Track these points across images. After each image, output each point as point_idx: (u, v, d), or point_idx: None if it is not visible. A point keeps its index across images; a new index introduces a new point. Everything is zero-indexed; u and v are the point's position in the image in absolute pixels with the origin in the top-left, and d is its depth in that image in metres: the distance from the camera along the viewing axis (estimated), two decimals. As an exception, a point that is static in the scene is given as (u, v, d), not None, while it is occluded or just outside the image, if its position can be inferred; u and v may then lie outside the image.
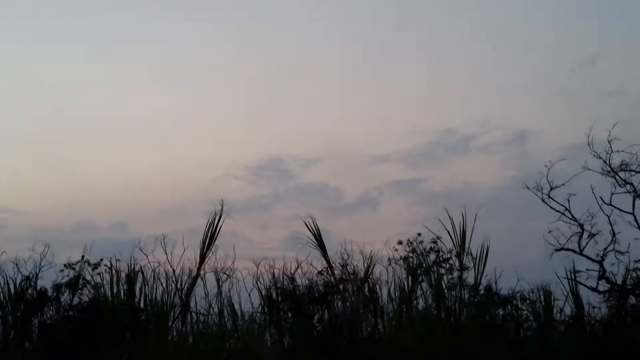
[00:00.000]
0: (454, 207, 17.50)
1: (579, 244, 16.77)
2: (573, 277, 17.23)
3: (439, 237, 17.83)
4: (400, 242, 17.99)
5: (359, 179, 30.47)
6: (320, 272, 17.62)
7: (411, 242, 17.96)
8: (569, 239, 16.73)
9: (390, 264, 17.76)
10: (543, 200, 16.87)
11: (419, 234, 18.00)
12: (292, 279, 17.43)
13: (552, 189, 16.78)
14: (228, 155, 30.23)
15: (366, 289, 17.46)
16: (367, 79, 31.73)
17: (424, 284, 17.54)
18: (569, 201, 16.81)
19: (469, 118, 31.03)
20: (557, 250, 16.65)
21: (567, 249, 16.71)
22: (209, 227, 17.20)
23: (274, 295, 17.24)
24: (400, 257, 17.88)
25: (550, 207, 16.88)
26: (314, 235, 17.78)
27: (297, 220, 17.97)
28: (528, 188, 16.86)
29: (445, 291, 17.34)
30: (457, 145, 31.00)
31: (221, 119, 31.08)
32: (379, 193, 30.06)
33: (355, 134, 30.79)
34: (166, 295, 16.84)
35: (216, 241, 17.19)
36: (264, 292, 17.29)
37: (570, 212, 16.81)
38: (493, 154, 30.45)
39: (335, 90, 31.32)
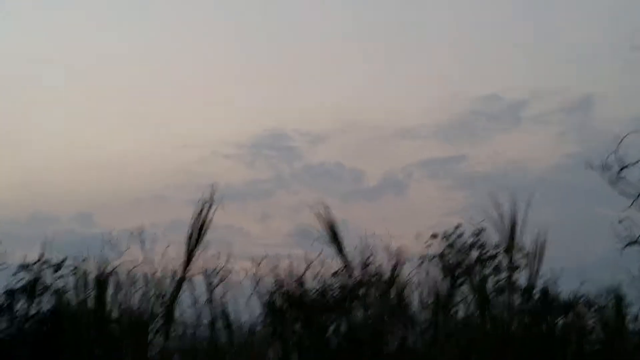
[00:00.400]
0: (501, 192, 16.67)
1: (658, 236, 16.43)
2: (647, 275, 17.12)
3: (482, 229, 17.32)
4: (434, 236, 17.56)
5: (382, 158, 29.92)
6: (335, 274, 17.02)
7: (448, 236, 17.56)
8: None
9: (422, 262, 17.16)
10: (611, 183, 16.12)
11: (458, 226, 17.62)
12: (300, 282, 16.91)
13: (622, 168, 16.02)
14: (217, 131, 29.81)
15: (393, 294, 16.94)
16: (388, 36, 30.93)
17: (464, 287, 17.00)
18: None
19: (517, 81, 30.08)
20: (629, 244, 16.17)
21: None
22: (197, 219, 16.14)
23: (278, 302, 16.77)
24: (435, 254, 17.36)
25: (621, 190, 16.18)
26: (327, 228, 16.88)
27: (306, 209, 17.25)
28: (592, 168, 16.15)
29: (491, 296, 16.78)
30: (502, 115, 30.21)
31: (208, 86, 30.53)
32: (407, 175, 29.45)
33: (375, 102, 30.19)
34: (145, 303, 16.00)
35: (206, 236, 16.22)
36: (265, 298, 16.74)
37: None
38: (548, 126, 29.68)
39: (350, 50, 30.57)
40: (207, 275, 16.36)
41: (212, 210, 16.32)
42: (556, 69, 29.44)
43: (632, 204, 16.10)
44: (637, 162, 16.02)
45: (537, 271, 16.58)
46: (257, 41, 30.20)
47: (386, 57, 30.35)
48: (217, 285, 16.34)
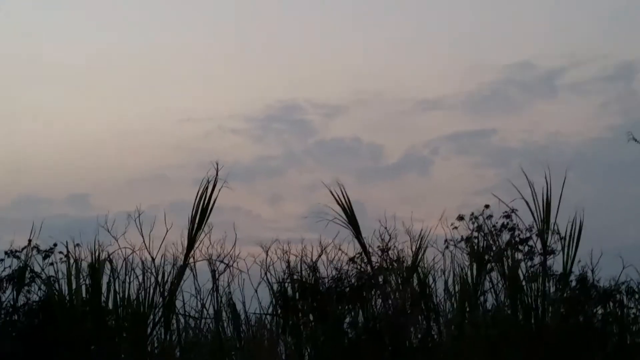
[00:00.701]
0: (534, 169, 16.47)
1: None
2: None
3: (513, 210, 16.88)
4: (461, 218, 17.16)
5: (404, 132, 29.35)
6: (352, 260, 16.79)
7: (476, 217, 17.10)
8: None
9: (447, 247, 16.91)
10: None
11: (487, 206, 17.09)
12: (314, 268, 16.52)
13: None
14: (223, 103, 28.97)
15: (415, 282, 16.79)
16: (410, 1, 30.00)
17: (494, 274, 16.72)
18: None
19: (552, 47, 29.10)
20: None
21: None
22: (200, 200, 16.28)
23: (290, 291, 16.54)
24: (462, 237, 17.07)
25: None
26: (344, 210, 16.84)
27: (320, 188, 16.99)
28: (635, 140, 16.22)
29: (524, 283, 16.45)
30: (536, 85, 29.23)
31: (212, 54, 29.45)
32: (431, 151, 28.81)
33: (396, 72, 29.08)
34: (143, 293, 15.92)
35: (210, 219, 16.36)
36: (275, 287, 16.42)
37: None
38: (587, 95, 28.67)
39: (369, 16, 29.44)
40: (212, 261, 16.37)
41: (217, 190, 16.34)
42: (594, 32, 28.80)
43: None
44: None
45: (574, 256, 16.45)
46: (268, 4, 29.59)
47: (407, 23, 29.52)
48: (222, 273, 16.37)
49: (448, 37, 29.36)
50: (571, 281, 16.64)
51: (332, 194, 16.95)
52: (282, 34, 29.34)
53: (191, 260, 16.29)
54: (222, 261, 16.37)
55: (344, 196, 16.93)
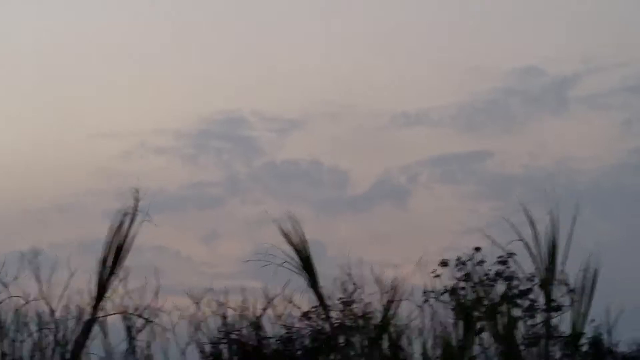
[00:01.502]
0: (539, 203, 15.09)
1: None
2: None
3: (511, 254, 16.14)
4: (445, 263, 16.71)
5: (376, 154, 28.21)
6: (306, 315, 16.20)
7: (464, 263, 16.62)
8: None
9: (427, 300, 16.07)
10: None
11: (478, 249, 16.58)
12: (257, 326, 16.08)
13: None
14: (147, 114, 27.87)
15: (386, 344, 15.58)
16: None
17: (486, 335, 15.44)
18: None
19: (565, 50, 28.20)
20: None
21: None
22: (114, 238, 15.04)
23: (227, 354, 16.02)
24: (446, 288, 16.44)
25: None
26: (297, 251, 15.43)
27: (268, 224, 15.87)
28: None
29: (523, 347, 15.58)
30: (543, 96, 28.25)
31: (135, 56, 28.20)
32: (410, 178, 27.75)
33: (368, 77, 28.16)
34: (39, 355, 14.95)
35: (126, 261, 15.08)
36: (208, 349, 15.96)
37: None
38: (606, 110, 27.82)
39: (338, 6, 28.38)
40: (128, 315, 15.30)
41: (136, 225, 15.00)
42: (618, 34, 27.56)
43: None
44: None
45: (586, 313, 14.84)
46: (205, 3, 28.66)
47: (383, 18, 28.34)
48: (141, 330, 15.38)
49: (435, 35, 28.47)
50: (582, 345, 15.76)
51: (283, 232, 15.50)
52: (224, 32, 28.55)
53: (101, 313, 15.07)
54: (140, 315, 15.43)
55: (297, 234, 15.47)
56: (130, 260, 15.10)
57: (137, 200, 15.09)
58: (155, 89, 27.83)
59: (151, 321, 15.46)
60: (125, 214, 15.01)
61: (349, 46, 28.68)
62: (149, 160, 27.08)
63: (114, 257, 15.04)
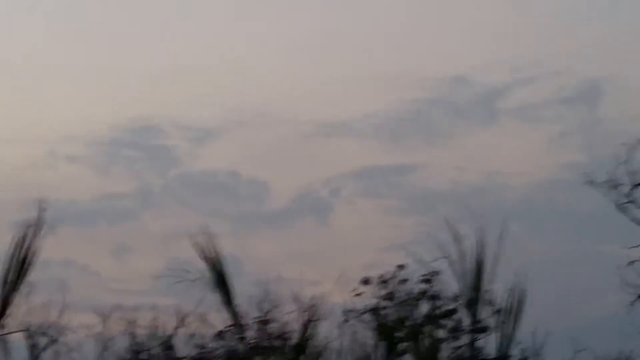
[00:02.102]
0: (464, 218, 15.26)
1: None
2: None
3: (435, 273, 16.64)
4: (366, 282, 16.94)
5: (297, 165, 28.19)
6: (220, 335, 16.45)
7: (386, 282, 16.93)
8: None
9: (347, 319, 16.53)
10: (619, 206, 15.91)
11: (401, 267, 16.84)
12: (168, 345, 16.58)
13: (635, 185, 15.83)
14: (56, 120, 27.40)
15: None
16: None
17: (408, 357, 15.78)
18: None
19: (494, 58, 28.08)
20: None
21: None
22: (17, 251, 14.63)
23: None
24: (366, 307, 16.82)
25: (632, 218, 16.08)
26: (212, 268, 15.30)
27: (182, 238, 15.69)
28: (593, 184, 15.88)
29: None
30: (471, 106, 28.36)
31: (44, 60, 27.97)
32: (332, 191, 27.43)
33: (289, 85, 28.08)
34: None
35: (30, 276, 14.67)
36: None
37: None
38: (538, 123, 28.05)
39: (258, 11, 28.31)
40: (31, 333, 15.57)
41: (41, 238, 14.45)
42: (551, 42, 27.77)
43: None
44: None
45: (512, 335, 14.77)
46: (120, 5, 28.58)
47: (305, 20, 28.28)
48: (45, 349, 15.75)
49: (358, 42, 28.18)
50: None
51: (197, 247, 15.18)
52: (138, 38, 28.17)
53: (3, 330, 14.49)
54: (45, 333, 15.39)
55: (212, 249, 15.16)
56: (34, 275, 14.68)
57: (42, 211, 14.52)
58: (64, 94, 27.29)
59: (56, 339, 15.43)
60: (29, 226, 14.42)
61: (269, 53, 28.44)
62: (58, 169, 26.61)
63: (17, 271, 14.56)
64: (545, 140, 27.72)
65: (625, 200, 15.92)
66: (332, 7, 28.59)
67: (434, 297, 16.79)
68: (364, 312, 16.72)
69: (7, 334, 14.60)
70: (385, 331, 16.06)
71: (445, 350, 16.48)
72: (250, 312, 16.24)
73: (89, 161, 27.64)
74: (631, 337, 16.11)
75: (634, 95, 26.22)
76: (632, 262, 15.66)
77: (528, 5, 28.30)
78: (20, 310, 14.85)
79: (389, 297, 16.81)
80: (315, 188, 27.31)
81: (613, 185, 15.81)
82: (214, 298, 15.50)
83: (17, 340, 15.21)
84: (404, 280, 16.85)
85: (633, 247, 15.87)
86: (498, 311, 15.17)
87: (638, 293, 15.71)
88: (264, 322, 16.32)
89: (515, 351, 15.83)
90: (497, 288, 15.29)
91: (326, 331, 16.05)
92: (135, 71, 27.77)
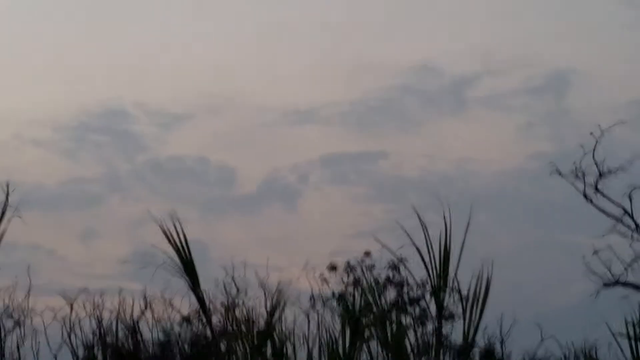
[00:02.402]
0: (432, 206, 15.82)
1: (648, 274, 16.49)
2: (637, 332, 16.37)
3: (402, 260, 16.28)
4: (333, 267, 16.61)
5: (265, 151, 27.99)
6: (186, 319, 16.30)
7: (353, 268, 16.56)
8: (630, 265, 15.37)
9: (314, 305, 16.35)
10: (586, 196, 15.43)
11: (367, 253, 16.54)
12: (134, 329, 16.13)
13: (601, 175, 15.28)
14: (22, 104, 26.70)
15: (269, 351, 16.23)
16: None
17: (374, 343, 16.16)
18: (631, 199, 15.43)
19: (464, 47, 28.01)
20: (607, 284, 15.45)
21: (626, 283, 15.53)
22: None
23: (101, 358, 16.17)
24: (333, 293, 16.56)
25: (598, 208, 15.48)
26: (178, 253, 15.92)
27: (149, 223, 16.20)
28: (560, 174, 15.35)
29: (413, 356, 16.14)
30: (441, 95, 28.26)
31: (8, 40, 27.52)
32: (300, 177, 27.44)
33: (257, 70, 27.98)
34: None
35: None
36: (82, 352, 16.10)
37: (632, 216, 15.48)
38: (507, 112, 28.04)
39: None
40: None
41: (5, 221, 15.49)
42: (520, 32, 27.80)
43: (612, 228, 15.36)
44: (619, 168, 15.21)
45: (478, 322, 15.91)
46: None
47: (276, 8, 27.89)
48: (10, 332, 15.72)
49: (328, 29, 27.93)
50: (473, 354, 16.16)
51: (164, 232, 15.71)
52: (106, 21, 27.72)
53: None
54: (10, 315, 15.59)
55: (179, 234, 15.73)
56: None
57: (7, 194, 15.24)
58: (31, 76, 27.05)
59: (21, 323, 15.49)
60: (-7, 209, 15.33)
61: (237, 38, 28.31)
62: (25, 153, 26.32)
63: (-19, 253, 15.03)
64: (514, 129, 27.64)
65: (592, 190, 15.43)
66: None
67: (401, 284, 16.47)
68: (331, 299, 16.42)
69: (-29, 317, 16.13)
70: (352, 317, 16.17)
71: (412, 336, 16.18)
72: (216, 297, 16.25)
73: (55, 145, 27.32)
74: (597, 325, 16.13)
75: (600, 86, 26.05)
76: (597, 252, 15.12)
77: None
78: (-15, 293, 16.61)
79: (356, 283, 16.51)
80: (283, 174, 27.23)
81: (579, 174, 15.43)
82: (180, 283, 15.97)
83: (-18, 323, 16.55)
84: (371, 267, 16.52)
85: (599, 235, 15.21)
86: (464, 299, 15.74)
87: (603, 282, 15.34)
88: (229, 307, 16.20)
89: (480, 338, 16.07)
90: (464, 276, 15.88)
91: (292, 317, 16.29)
92: (103, 56, 27.40)
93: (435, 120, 28.04)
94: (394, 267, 16.53)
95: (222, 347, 16.25)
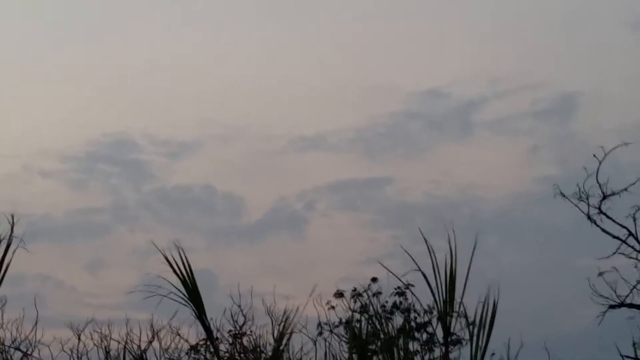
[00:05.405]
0: (438, 231, 14.98)
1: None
2: (645, 354, 16.68)
3: (409, 286, 15.52)
4: (340, 294, 17.20)
5: (271, 179, 28.31)
6: (193, 348, 16.55)
7: (360, 294, 17.13)
8: (635, 286, 16.23)
9: (321, 332, 16.84)
10: (589, 218, 16.22)
11: (374, 280, 17.06)
12: (142, 359, 16.29)
13: (605, 197, 16.05)
14: (31, 135, 27.17)
15: None
16: (284, 5, 28.55)
17: None
18: (635, 219, 16.22)
19: (470, 71, 28.17)
20: (612, 306, 16.29)
21: (632, 305, 16.34)
22: None
23: None
24: (340, 320, 17.02)
25: (602, 229, 16.29)
26: (184, 282, 13.92)
27: (155, 253, 15.42)
28: (564, 196, 16.12)
29: None
30: (447, 120, 28.36)
31: (18, 72, 27.72)
32: (307, 205, 27.51)
33: (263, 98, 28.01)
34: None
35: (3, 291, 13.41)
36: None
37: (637, 237, 16.25)
38: (513, 136, 28.02)
39: (235, 27, 28.19)
40: (4, 348, 15.75)
41: (12, 254, 14.02)
42: (527, 56, 27.75)
43: (617, 250, 15.96)
44: (625, 189, 15.88)
45: (485, 347, 13.47)
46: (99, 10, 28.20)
47: (279, 33, 28.13)
48: None
49: (333, 56, 28.00)
50: None
51: (168, 261, 15.57)
52: (113, 50, 27.79)
53: None
54: (17, 348, 15.67)
55: (184, 264, 15.58)
56: (7, 290, 14.07)
57: (12, 225, 15.01)
58: (39, 107, 27.12)
59: (29, 354, 15.70)
60: (1, 240, 15.16)
61: (243, 66, 28.30)
62: (33, 185, 26.47)
63: (-12, 286, 15.18)
64: (520, 153, 27.70)
65: (596, 212, 16.09)
66: (307, 21, 28.30)
67: (407, 310, 16.95)
68: (338, 325, 16.89)
69: (-21, 349, 15.53)
70: (359, 344, 15.03)
71: (419, 363, 15.89)
72: (223, 326, 16.34)
73: (63, 176, 27.45)
74: (604, 348, 15.72)
75: (607, 108, 25.94)
76: (601, 273, 15.85)
77: (504, 19, 28.07)
78: (-7, 325, 16.24)
79: (363, 310, 16.84)
80: (290, 202, 27.30)
81: (583, 196, 16.08)
82: (186, 312, 16.22)
83: (-10, 356, 15.93)
84: (378, 293, 17.03)
85: (602, 258, 16.03)
86: (471, 324, 15.92)
87: (609, 304, 16.01)
88: (237, 335, 16.40)
89: (488, 363, 16.51)
90: (471, 300, 16.01)
91: (300, 344, 15.76)
92: (111, 85, 27.40)
93: (441, 145, 28.01)
94: (401, 294, 16.98)
95: (230, 376, 14.46)
